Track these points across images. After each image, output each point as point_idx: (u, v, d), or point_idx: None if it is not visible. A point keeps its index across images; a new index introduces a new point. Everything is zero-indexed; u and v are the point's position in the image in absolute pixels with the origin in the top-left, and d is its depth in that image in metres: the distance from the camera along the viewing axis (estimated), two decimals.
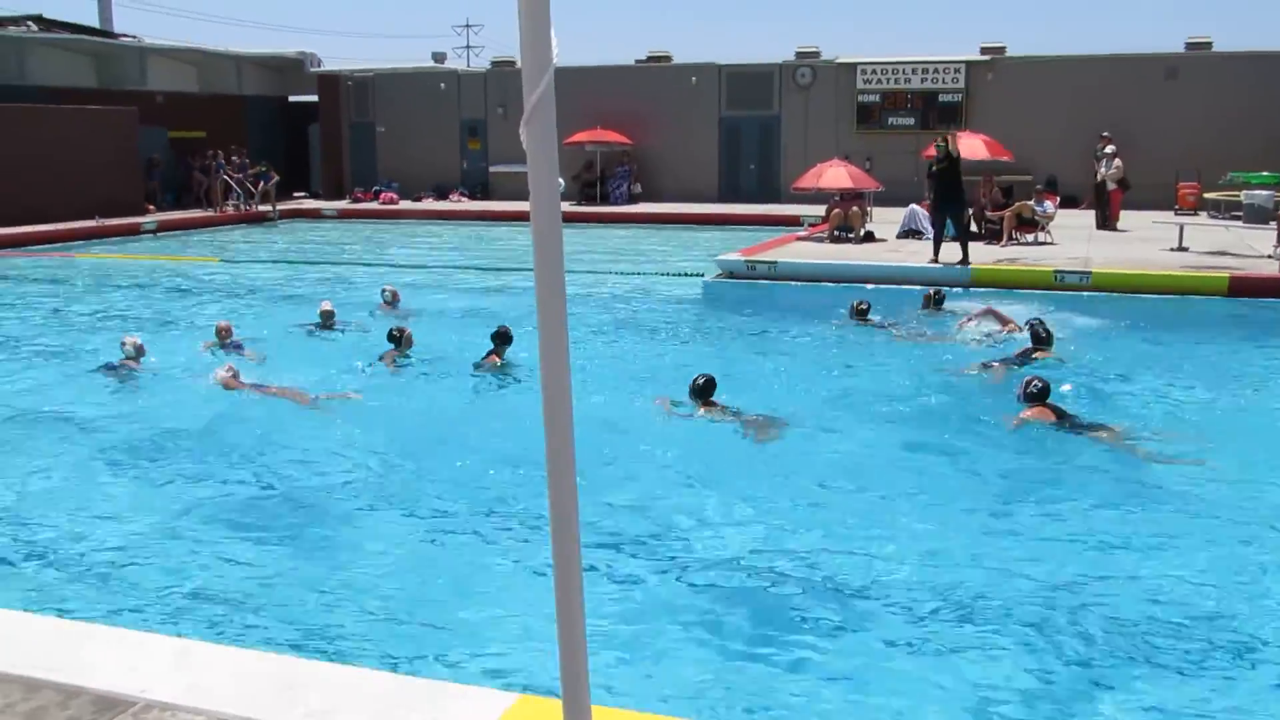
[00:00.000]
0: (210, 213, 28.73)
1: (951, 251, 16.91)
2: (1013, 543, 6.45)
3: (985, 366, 10.73)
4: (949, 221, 17.03)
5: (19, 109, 25.58)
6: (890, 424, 9.00)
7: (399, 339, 11.24)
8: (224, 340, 11.83)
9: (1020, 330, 11.76)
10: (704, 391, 8.93)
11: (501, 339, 10.75)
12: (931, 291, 13.89)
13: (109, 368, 10.87)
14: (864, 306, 13.20)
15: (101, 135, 26.66)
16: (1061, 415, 8.54)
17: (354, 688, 3.79)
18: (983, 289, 15.99)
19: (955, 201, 16.99)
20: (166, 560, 6.32)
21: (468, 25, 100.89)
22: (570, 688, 2.26)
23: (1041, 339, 10.88)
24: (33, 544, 6.64)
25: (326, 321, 13.09)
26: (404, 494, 7.45)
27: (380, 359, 11.11)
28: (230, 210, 28.91)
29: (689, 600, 5.74)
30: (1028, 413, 8.58)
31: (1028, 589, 5.75)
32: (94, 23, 37.30)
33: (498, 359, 10.61)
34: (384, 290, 14.81)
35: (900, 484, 7.47)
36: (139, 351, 10.95)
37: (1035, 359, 10.73)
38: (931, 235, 18.71)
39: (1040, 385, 8.67)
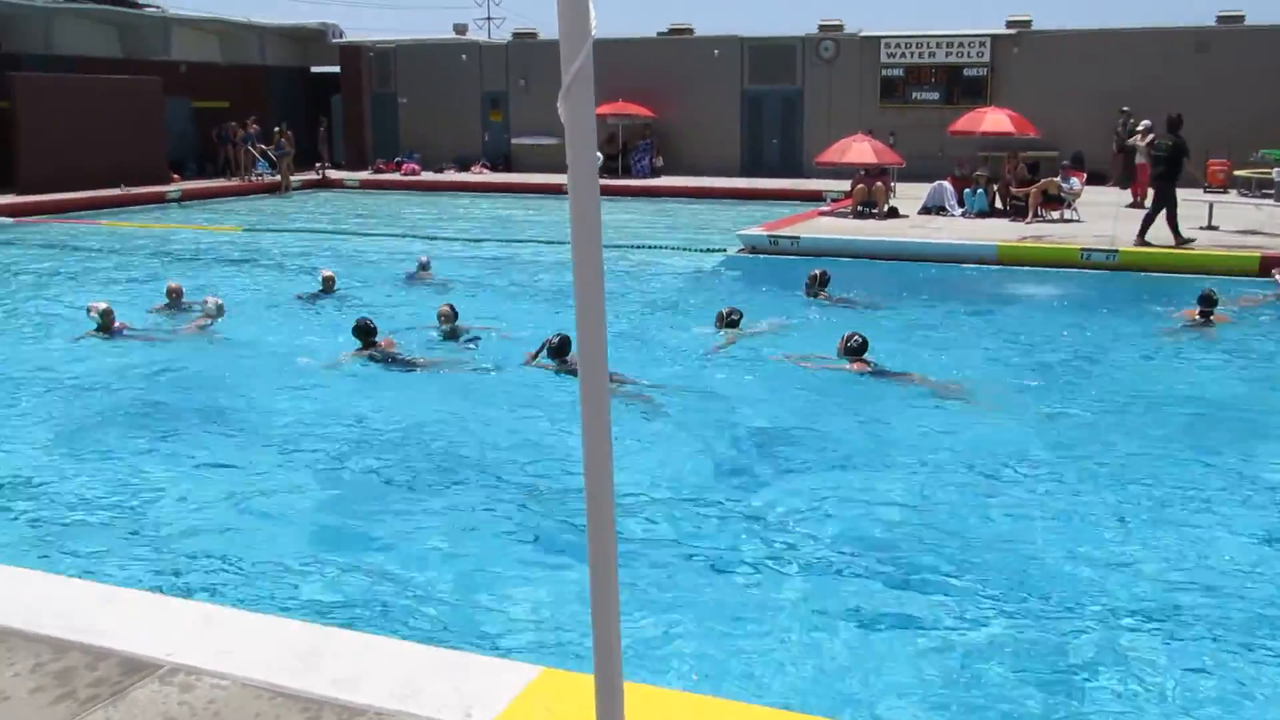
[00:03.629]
0: (236, 181, 28.93)
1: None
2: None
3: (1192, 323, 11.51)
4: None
5: (47, 78, 25.76)
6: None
7: (446, 314, 11.03)
8: (176, 301, 12.32)
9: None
10: (559, 350, 9.50)
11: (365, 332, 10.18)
12: (818, 272, 13.21)
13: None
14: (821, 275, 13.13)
15: (126, 105, 26.79)
16: (879, 370, 9.53)
17: (378, 656, 3.80)
18: (1008, 266, 15.91)
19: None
20: (193, 526, 6.38)
21: None
22: (602, 661, 2.26)
23: (1213, 302, 11.62)
24: (59, 508, 6.71)
25: (327, 288, 13.18)
26: (433, 466, 7.47)
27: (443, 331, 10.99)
28: (256, 180, 29.05)
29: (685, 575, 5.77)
30: (852, 366, 9.58)
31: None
32: None
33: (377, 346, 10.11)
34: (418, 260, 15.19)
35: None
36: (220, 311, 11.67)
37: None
38: (960, 211, 18.82)
39: (860, 340, 9.61)
